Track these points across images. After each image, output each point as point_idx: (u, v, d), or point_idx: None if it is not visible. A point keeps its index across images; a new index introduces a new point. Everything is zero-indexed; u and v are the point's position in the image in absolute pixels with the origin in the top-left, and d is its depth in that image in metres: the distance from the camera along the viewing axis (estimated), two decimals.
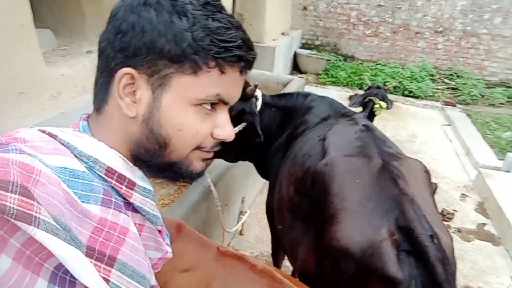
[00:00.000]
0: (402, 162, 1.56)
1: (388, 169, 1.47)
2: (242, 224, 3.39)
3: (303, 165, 1.80)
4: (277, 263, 2.91)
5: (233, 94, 0.75)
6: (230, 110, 0.79)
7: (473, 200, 4.19)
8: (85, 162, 0.67)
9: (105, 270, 0.63)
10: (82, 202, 0.62)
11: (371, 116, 3.65)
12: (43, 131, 0.67)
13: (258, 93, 2.29)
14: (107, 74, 0.71)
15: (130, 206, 0.72)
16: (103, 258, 0.63)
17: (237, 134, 2.45)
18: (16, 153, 0.58)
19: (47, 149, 0.63)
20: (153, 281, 0.75)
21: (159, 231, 0.81)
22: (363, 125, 1.83)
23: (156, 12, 0.66)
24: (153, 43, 0.66)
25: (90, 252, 0.61)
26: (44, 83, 2.75)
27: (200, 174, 0.78)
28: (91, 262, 0.60)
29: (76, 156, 0.66)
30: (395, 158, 1.59)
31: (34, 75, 2.60)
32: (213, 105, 0.74)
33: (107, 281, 0.62)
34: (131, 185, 0.71)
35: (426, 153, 5.20)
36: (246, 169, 3.32)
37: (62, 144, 0.67)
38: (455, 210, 3.91)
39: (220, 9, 0.71)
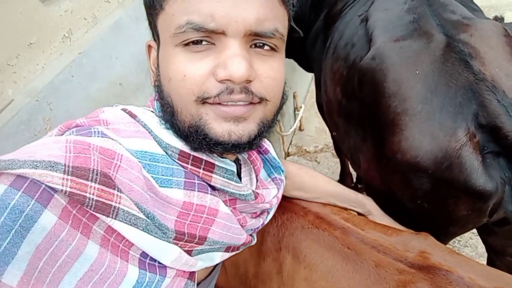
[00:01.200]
0: (473, 31, 1.18)
1: (455, 48, 1.11)
2: (300, 120, 3.19)
3: (346, 59, 1.47)
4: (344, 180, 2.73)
5: (220, 14, 0.56)
6: None
7: None
8: (161, 146, 0.64)
9: (193, 247, 0.65)
10: (164, 187, 0.61)
11: None
12: (125, 110, 0.67)
13: None
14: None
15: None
16: (193, 239, 0.63)
17: None
18: (98, 136, 0.57)
19: (128, 132, 0.62)
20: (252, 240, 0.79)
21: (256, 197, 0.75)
22: None
23: None
24: (144, 2, 0.65)
25: (179, 236, 0.61)
26: (50, 26, 2.52)
27: (236, 144, 0.61)
28: (180, 245, 0.62)
29: (155, 139, 0.64)
30: (462, 27, 1.20)
31: (36, 20, 2.37)
32: (208, 41, 0.59)
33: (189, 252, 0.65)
34: (210, 167, 0.67)
35: None
36: (289, 62, 3.00)
37: (141, 125, 0.65)
38: None
39: None
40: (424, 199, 1.09)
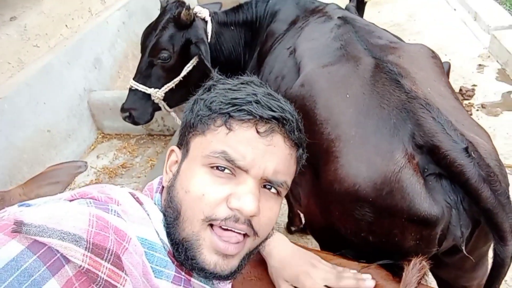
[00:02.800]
0: (401, 53, 1.15)
1: (384, 68, 1.06)
2: None
3: (277, 90, 1.40)
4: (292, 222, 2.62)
5: (249, 158, 0.67)
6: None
7: (492, 68, 3.68)
8: (160, 239, 0.69)
9: None
10: (156, 277, 0.65)
11: (360, 4, 3.10)
12: (133, 195, 0.71)
13: (204, 14, 1.83)
14: None
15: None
16: None
17: (196, 71, 2.06)
18: (114, 215, 0.62)
19: (135, 217, 0.66)
20: None
21: None
22: (339, 18, 1.39)
23: (195, 101, 0.75)
24: (184, 119, 0.75)
25: None
26: None
27: (217, 275, 0.69)
28: None
29: (155, 230, 0.69)
30: (389, 50, 1.17)
31: None
32: (231, 172, 0.68)
33: None
34: (190, 270, 0.71)
35: (430, 29, 4.61)
36: None
37: (146, 214, 0.69)
38: (474, 85, 3.42)
39: (251, 84, 0.74)
40: (368, 231, 0.99)
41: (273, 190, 0.72)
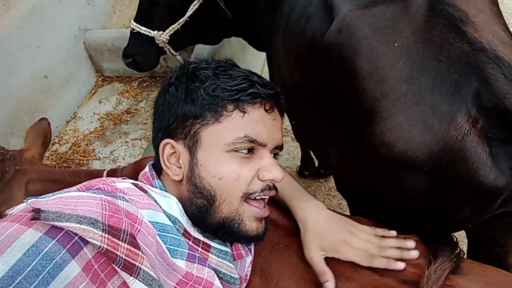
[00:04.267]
0: None
1: (442, 11, 0.89)
2: None
3: (302, 35, 1.22)
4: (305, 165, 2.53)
5: (265, 134, 0.76)
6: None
7: None
8: (169, 219, 0.72)
9: None
10: (172, 256, 0.68)
11: None
12: (136, 185, 0.75)
13: None
14: (156, 153, 0.81)
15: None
16: None
17: (203, 10, 1.86)
18: (123, 201, 0.65)
19: (142, 204, 0.69)
20: None
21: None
22: None
23: (175, 86, 0.78)
24: (177, 111, 0.76)
25: None
26: None
27: (259, 237, 0.79)
28: None
29: (164, 213, 0.72)
30: None
31: None
32: (250, 150, 0.76)
33: None
34: (207, 247, 0.76)
35: None
36: (239, 43, 2.73)
37: (153, 199, 0.73)
38: None
39: (232, 67, 0.80)
40: (418, 200, 0.89)
41: (277, 156, 0.84)
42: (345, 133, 1.06)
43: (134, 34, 2.01)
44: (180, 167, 0.77)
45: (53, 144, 2.74)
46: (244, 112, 0.75)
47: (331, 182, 2.55)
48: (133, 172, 1.13)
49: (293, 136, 2.74)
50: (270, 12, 1.64)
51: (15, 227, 0.56)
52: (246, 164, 0.75)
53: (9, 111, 2.44)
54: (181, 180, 0.77)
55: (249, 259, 0.85)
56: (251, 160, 0.76)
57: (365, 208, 1.10)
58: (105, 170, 1.18)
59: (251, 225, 0.77)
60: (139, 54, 2.06)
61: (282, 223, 0.96)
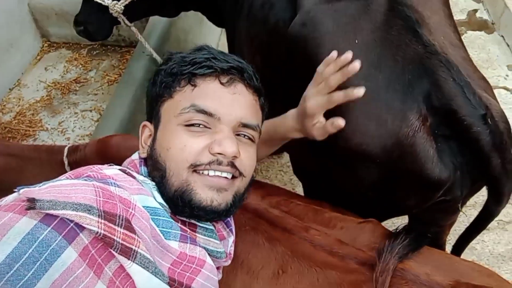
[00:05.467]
0: None
1: (401, 13, 0.95)
2: None
3: (265, 21, 1.24)
4: None
5: (217, 106, 0.74)
6: None
7: None
8: (159, 203, 0.73)
9: None
10: (166, 238, 0.69)
11: None
12: (124, 171, 0.74)
13: None
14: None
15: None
16: (180, 287, 0.71)
17: None
18: (115, 186, 0.65)
19: (132, 189, 0.69)
20: None
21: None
22: None
23: (155, 74, 0.81)
24: (148, 94, 0.82)
25: (171, 282, 0.69)
26: None
27: (217, 210, 0.74)
28: None
29: (153, 197, 0.73)
30: None
31: None
32: (205, 125, 0.74)
33: None
34: (193, 227, 0.76)
35: None
36: (196, 16, 2.67)
37: (141, 184, 0.73)
38: None
39: (203, 48, 0.80)
40: (370, 188, 0.97)
41: (246, 137, 0.79)
42: None
43: (86, 2, 1.91)
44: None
45: None
46: (195, 86, 0.75)
47: (284, 159, 2.62)
48: (97, 151, 1.12)
49: None
50: None
51: (9, 216, 0.56)
52: (197, 137, 0.73)
53: None
54: (146, 157, 0.80)
55: (231, 239, 0.86)
56: (205, 134, 0.74)
57: (321, 192, 1.17)
58: (66, 146, 1.15)
59: (204, 194, 0.72)
60: (91, 23, 1.96)
61: (249, 206, 1.01)
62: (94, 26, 1.97)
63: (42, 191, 0.58)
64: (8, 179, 1.12)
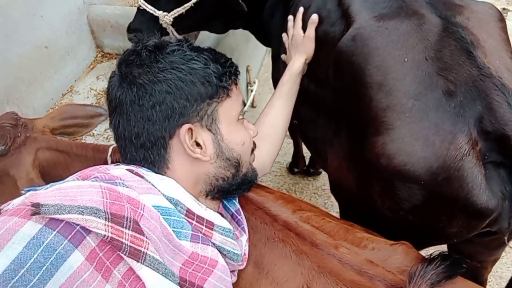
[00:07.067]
0: (469, 14, 1.01)
1: (455, 34, 0.93)
2: (253, 96, 2.97)
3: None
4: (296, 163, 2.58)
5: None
6: None
7: None
8: (170, 202, 0.72)
9: None
10: (177, 238, 0.69)
11: None
12: (131, 171, 0.73)
13: None
14: (160, 144, 0.76)
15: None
16: (192, 287, 0.70)
17: (216, 0, 1.86)
18: (123, 186, 0.64)
19: (141, 189, 0.68)
20: None
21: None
22: None
23: (176, 71, 0.75)
24: (191, 93, 0.75)
25: (182, 282, 0.68)
26: None
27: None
28: None
29: (164, 196, 0.72)
30: (456, 8, 1.02)
31: None
32: None
33: None
34: (210, 225, 0.76)
35: None
36: (243, 34, 2.74)
37: (150, 183, 0.72)
38: None
39: (202, 48, 0.82)
40: (411, 211, 0.93)
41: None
42: (347, 139, 1.09)
43: (140, 11, 1.99)
44: (202, 148, 0.77)
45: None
46: (236, 85, 0.83)
47: (319, 181, 2.59)
48: None
49: (287, 132, 2.77)
50: (282, 11, 1.66)
51: (14, 220, 0.56)
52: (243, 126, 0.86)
53: (6, 79, 2.40)
54: (209, 160, 0.78)
55: (244, 238, 0.86)
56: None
57: (356, 213, 1.14)
58: (111, 146, 1.19)
59: (253, 166, 0.91)
60: (142, 31, 2.05)
61: (280, 218, 0.99)
62: (144, 34, 2.04)
63: (48, 194, 0.58)
64: (55, 173, 1.17)
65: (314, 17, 1.25)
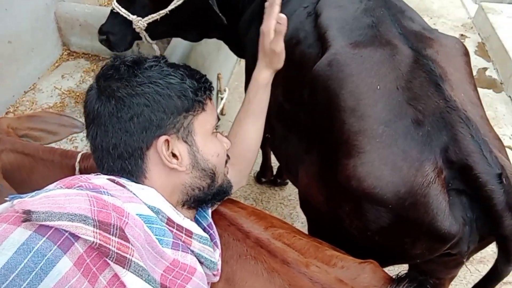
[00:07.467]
0: (438, 47, 1.07)
1: (425, 66, 0.98)
2: (223, 104, 2.98)
3: (290, 57, 1.27)
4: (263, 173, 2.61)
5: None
6: None
7: (472, 40, 3.72)
8: (151, 211, 0.73)
9: None
10: (160, 245, 0.71)
11: None
12: (113, 180, 0.74)
13: None
14: (138, 155, 0.78)
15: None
16: None
17: (187, 7, 1.85)
18: (108, 195, 0.66)
19: (124, 197, 0.70)
20: None
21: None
22: None
23: (154, 85, 0.77)
24: (168, 107, 0.78)
25: None
26: None
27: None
28: None
29: (145, 205, 0.73)
30: (426, 41, 1.08)
31: None
32: None
33: None
34: (189, 233, 0.79)
35: None
36: (215, 42, 2.74)
37: (132, 193, 0.73)
38: None
39: (178, 64, 0.85)
40: (377, 233, 0.97)
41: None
42: (319, 158, 1.13)
43: (113, 14, 1.95)
44: (178, 159, 0.80)
45: (6, 113, 2.62)
46: (210, 99, 0.86)
47: (285, 191, 2.63)
48: None
49: None
50: (257, 26, 1.68)
51: (4, 227, 0.57)
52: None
53: None
54: (185, 170, 0.81)
55: (217, 253, 0.87)
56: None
57: (324, 230, 1.17)
58: (80, 152, 1.17)
59: (228, 178, 0.95)
60: (114, 33, 2.01)
61: (252, 235, 1.01)
62: (116, 37, 2.01)
63: (37, 202, 0.59)
64: (19, 176, 1.14)
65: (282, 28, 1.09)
